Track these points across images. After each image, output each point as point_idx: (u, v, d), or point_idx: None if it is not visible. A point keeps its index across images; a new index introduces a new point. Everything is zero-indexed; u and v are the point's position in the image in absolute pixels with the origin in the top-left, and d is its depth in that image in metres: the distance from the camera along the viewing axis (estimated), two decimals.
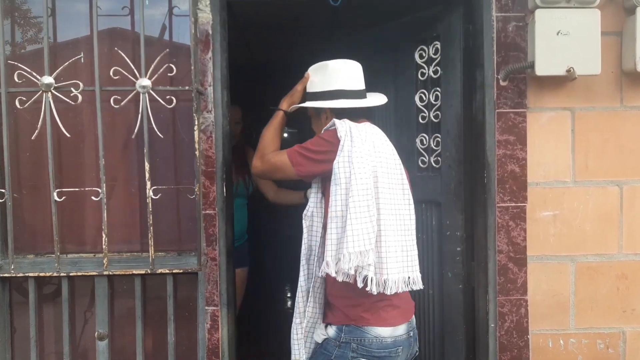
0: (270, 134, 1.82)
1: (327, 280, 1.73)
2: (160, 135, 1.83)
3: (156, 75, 1.80)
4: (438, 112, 2.21)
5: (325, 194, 1.73)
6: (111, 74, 1.82)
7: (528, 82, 2.02)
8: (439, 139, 2.21)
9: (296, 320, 1.77)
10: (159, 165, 2.09)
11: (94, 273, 1.87)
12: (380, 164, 1.65)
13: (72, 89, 1.82)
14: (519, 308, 2.06)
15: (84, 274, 1.87)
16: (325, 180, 1.72)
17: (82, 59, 1.93)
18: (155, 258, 1.97)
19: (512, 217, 2.03)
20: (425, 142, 2.27)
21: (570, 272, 2.10)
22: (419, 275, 1.70)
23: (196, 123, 1.81)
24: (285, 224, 4.23)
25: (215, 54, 1.99)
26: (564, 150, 2.06)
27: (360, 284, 1.59)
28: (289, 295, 5.73)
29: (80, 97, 1.82)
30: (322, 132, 1.75)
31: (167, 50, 1.82)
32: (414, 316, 1.79)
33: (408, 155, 2.26)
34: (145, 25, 1.85)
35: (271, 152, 1.77)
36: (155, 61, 1.80)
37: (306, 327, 1.75)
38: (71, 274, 1.87)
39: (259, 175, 1.85)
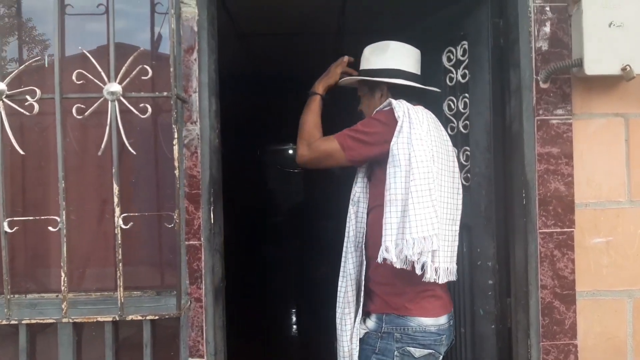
0: (312, 120, 1.74)
1: (370, 266, 1.68)
2: (132, 151, 1.51)
3: (128, 80, 1.48)
4: (467, 122, 1.89)
5: (372, 178, 1.70)
6: (74, 78, 1.50)
7: (573, 84, 1.70)
8: (468, 153, 1.88)
9: (345, 310, 1.70)
10: (137, 187, 1.77)
11: (51, 320, 1.53)
12: (436, 148, 1.60)
13: (28, 97, 1.50)
14: (568, 355, 1.70)
15: (38, 321, 1.53)
16: (373, 164, 1.69)
17: (46, 62, 1.62)
18: (129, 299, 1.64)
19: (557, 245, 1.69)
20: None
21: (627, 310, 1.75)
22: (456, 267, 1.68)
23: (176, 136, 1.49)
24: None
25: (202, 55, 1.68)
26: (617, 164, 1.73)
27: (419, 271, 1.54)
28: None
29: (36, 106, 1.50)
30: (375, 112, 1.69)
31: (141, 48, 1.51)
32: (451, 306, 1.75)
33: None
34: (126, 25, 1.55)
35: (318, 139, 1.69)
36: (127, 62, 1.48)
37: (355, 317, 1.69)
38: (23, 322, 1.53)
39: (306, 165, 1.73)
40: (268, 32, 3.66)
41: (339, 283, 1.74)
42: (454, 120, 1.95)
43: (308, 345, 4.53)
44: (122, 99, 1.49)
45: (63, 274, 1.50)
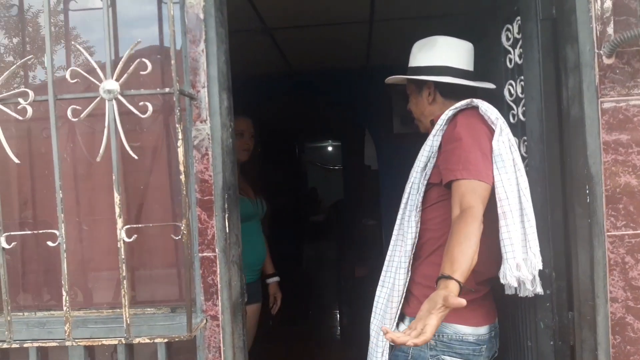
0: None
1: (413, 266, 1.57)
2: (133, 155, 1.35)
3: (125, 76, 1.32)
4: (525, 108, 1.64)
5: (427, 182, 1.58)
6: (68, 76, 1.35)
7: None
8: (527, 144, 1.64)
9: (384, 321, 1.58)
10: (148, 195, 1.62)
11: (53, 344, 1.39)
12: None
13: (21, 100, 1.37)
14: None
15: (41, 344, 1.40)
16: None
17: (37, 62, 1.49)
18: (141, 318, 1.49)
19: (629, 249, 1.43)
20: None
21: None
22: None
23: (180, 136, 1.32)
24: None
25: (210, 45, 1.50)
26: None
27: (530, 288, 1.49)
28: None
29: (29, 110, 1.36)
30: (452, 115, 1.55)
31: (140, 40, 1.34)
32: (497, 318, 1.65)
33: None
34: (130, 17, 1.40)
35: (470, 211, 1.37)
36: (124, 56, 1.32)
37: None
38: (25, 345, 1.40)
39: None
40: (296, 25, 3.49)
41: (378, 292, 1.63)
42: (514, 107, 1.70)
43: (349, 348, 4.34)
44: (120, 97, 1.33)
45: (64, 293, 1.36)
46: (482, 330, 1.56)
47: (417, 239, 1.56)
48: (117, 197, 1.34)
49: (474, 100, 1.54)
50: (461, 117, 1.52)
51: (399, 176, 4.81)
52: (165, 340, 1.36)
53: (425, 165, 1.59)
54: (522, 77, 1.62)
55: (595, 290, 1.46)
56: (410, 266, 1.56)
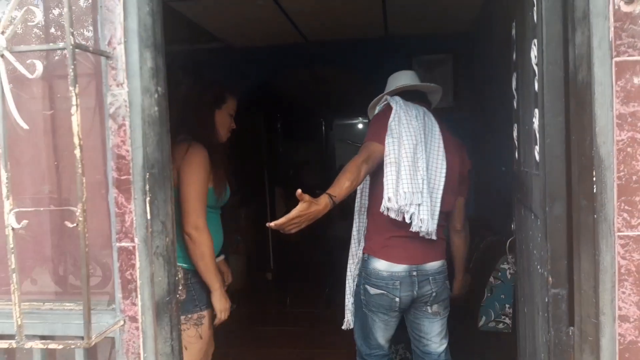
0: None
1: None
2: (24, 125, 1.11)
3: (11, 28, 1.08)
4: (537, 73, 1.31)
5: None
6: None
7: None
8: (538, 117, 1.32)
9: (349, 261, 2.23)
10: (62, 173, 1.39)
11: None
12: (424, 129, 1.99)
13: None
14: None
15: None
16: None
17: None
18: (55, 314, 1.29)
19: None
20: (536, 121, 1.39)
21: None
22: (435, 228, 1.98)
23: (74, 102, 1.07)
24: None
25: None
26: None
27: (407, 220, 1.90)
28: None
29: None
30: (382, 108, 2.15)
31: None
32: (430, 263, 2.07)
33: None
34: None
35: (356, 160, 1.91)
36: (10, 3, 1.08)
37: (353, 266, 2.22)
38: None
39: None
40: None
41: (351, 244, 2.24)
42: (537, 72, 1.38)
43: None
44: (7, 54, 1.09)
45: None
46: (398, 267, 2.00)
47: (361, 201, 2.21)
48: (4, 176, 1.11)
49: (388, 97, 2.14)
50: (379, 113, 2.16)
51: None
52: (61, 346, 1.14)
53: None
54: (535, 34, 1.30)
55: (600, 304, 1.14)
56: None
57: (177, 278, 1.36)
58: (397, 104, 2.00)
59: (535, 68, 1.39)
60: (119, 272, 1.26)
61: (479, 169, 2.91)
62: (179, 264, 1.80)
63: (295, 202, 1.65)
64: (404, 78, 2.23)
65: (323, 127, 9.59)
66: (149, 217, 1.25)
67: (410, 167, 1.88)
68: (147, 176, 1.25)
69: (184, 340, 1.79)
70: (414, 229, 1.89)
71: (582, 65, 1.14)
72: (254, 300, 4.85)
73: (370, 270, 2.02)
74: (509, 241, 2.21)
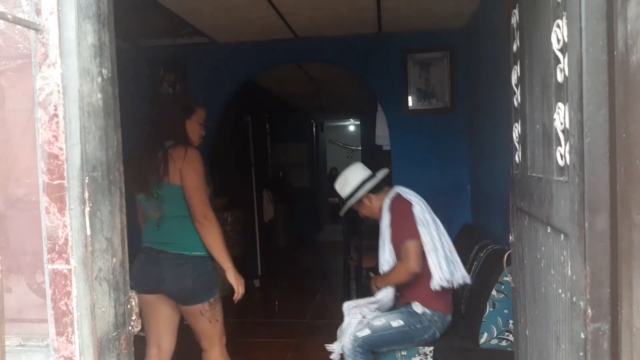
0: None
1: None
2: None
3: None
4: (567, 58, 1.06)
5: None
6: None
7: None
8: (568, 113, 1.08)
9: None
10: None
11: None
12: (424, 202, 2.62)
13: None
14: None
15: None
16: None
17: None
18: None
19: None
20: (560, 117, 1.15)
21: None
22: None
23: None
24: None
25: None
26: None
27: (456, 286, 2.57)
28: None
29: None
30: (389, 202, 2.61)
31: None
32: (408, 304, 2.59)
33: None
34: None
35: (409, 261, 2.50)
36: None
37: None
38: None
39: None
40: None
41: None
42: (561, 58, 1.14)
43: None
44: None
45: None
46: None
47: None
48: None
49: (395, 188, 2.67)
50: (393, 203, 2.60)
51: (413, 158, 4.26)
52: None
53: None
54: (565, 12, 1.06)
55: None
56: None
57: (129, 306, 1.09)
58: (407, 193, 2.58)
59: (560, 54, 1.15)
60: (52, 301, 1.00)
61: (478, 173, 2.73)
62: (198, 253, 2.18)
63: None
64: (365, 170, 2.72)
65: (314, 128, 9.34)
66: (88, 232, 0.99)
67: (442, 247, 2.46)
68: (87, 181, 0.98)
69: (217, 315, 2.25)
70: (458, 284, 2.55)
71: (636, 44, 0.90)
72: (241, 309, 4.59)
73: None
74: (506, 255, 1.99)
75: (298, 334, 4.17)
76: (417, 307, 2.54)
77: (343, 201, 2.72)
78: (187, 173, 2.12)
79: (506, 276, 2.58)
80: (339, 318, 4.78)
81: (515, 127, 1.69)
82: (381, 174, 2.68)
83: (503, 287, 2.57)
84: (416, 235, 2.43)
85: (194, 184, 2.13)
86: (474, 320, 2.64)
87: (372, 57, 4.21)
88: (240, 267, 2.39)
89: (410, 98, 4.16)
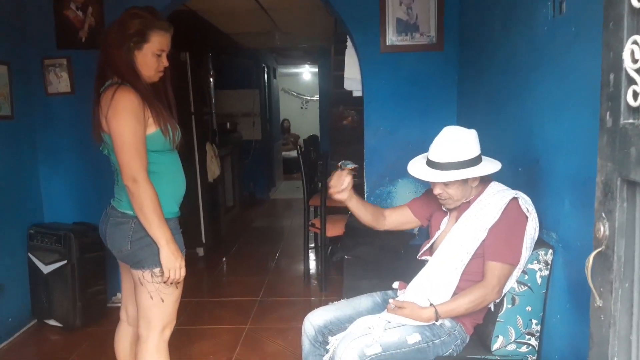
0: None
1: None
2: None
3: None
4: None
5: None
6: None
7: None
8: None
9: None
10: None
11: None
12: None
13: None
14: None
15: None
16: None
17: None
18: None
19: None
20: None
21: None
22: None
23: None
24: None
25: None
26: None
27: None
28: None
29: None
30: (506, 202, 1.96)
31: None
32: None
33: None
34: None
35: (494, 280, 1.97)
36: None
37: None
38: None
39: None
40: None
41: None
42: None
43: None
44: None
45: None
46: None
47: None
48: None
49: (498, 186, 2.05)
50: (510, 206, 1.96)
51: (389, 107, 3.52)
52: None
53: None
54: None
55: None
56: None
57: None
58: (526, 201, 1.99)
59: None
60: None
61: (468, 127, 2.03)
62: (127, 211, 1.89)
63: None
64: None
65: (266, 74, 8.38)
66: None
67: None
68: None
69: (163, 292, 1.91)
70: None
71: None
72: (184, 284, 3.83)
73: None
74: (591, 256, 1.28)
75: (250, 315, 3.49)
76: None
77: (436, 166, 1.97)
78: (112, 123, 1.78)
79: (530, 263, 1.95)
80: (298, 294, 4.15)
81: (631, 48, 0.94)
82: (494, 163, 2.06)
83: (527, 277, 1.97)
84: (517, 261, 1.95)
85: (121, 138, 1.78)
86: (486, 320, 2.05)
87: None
88: (182, 233, 2.01)
89: (388, 31, 3.36)
